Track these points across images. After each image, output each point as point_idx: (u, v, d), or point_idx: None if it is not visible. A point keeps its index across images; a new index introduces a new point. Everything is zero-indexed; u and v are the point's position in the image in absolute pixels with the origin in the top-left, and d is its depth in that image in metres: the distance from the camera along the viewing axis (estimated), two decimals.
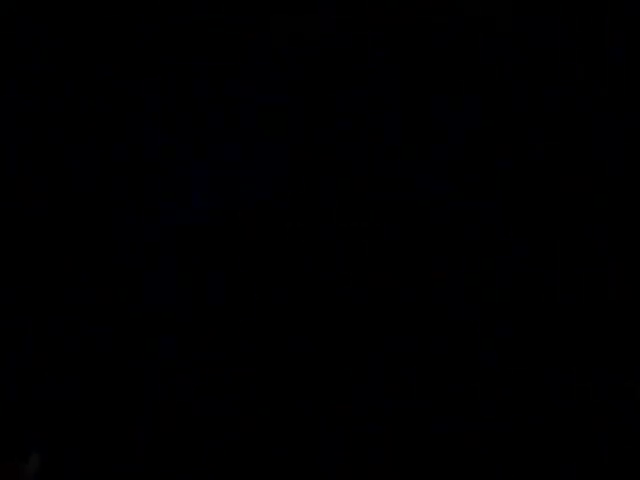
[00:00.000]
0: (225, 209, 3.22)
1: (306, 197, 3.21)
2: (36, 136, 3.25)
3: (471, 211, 3.24)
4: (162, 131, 3.26)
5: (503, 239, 3.21)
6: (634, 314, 3.10)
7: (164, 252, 3.24)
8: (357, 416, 3.14)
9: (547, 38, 3.23)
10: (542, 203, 3.21)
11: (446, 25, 3.25)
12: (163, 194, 3.23)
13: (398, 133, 3.21)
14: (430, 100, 3.23)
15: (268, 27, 3.23)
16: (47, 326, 3.13)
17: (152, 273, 3.23)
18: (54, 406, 2.98)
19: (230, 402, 3.17)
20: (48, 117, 3.25)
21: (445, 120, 3.24)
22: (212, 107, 3.26)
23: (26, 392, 2.98)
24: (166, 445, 3.12)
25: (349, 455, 3.12)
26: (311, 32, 3.21)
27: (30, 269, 3.17)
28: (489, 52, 3.25)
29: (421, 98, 3.21)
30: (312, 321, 3.19)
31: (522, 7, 3.23)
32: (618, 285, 3.12)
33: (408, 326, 3.18)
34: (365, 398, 3.15)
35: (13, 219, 3.20)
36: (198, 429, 3.15)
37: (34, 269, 3.17)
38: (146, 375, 3.17)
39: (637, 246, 3.13)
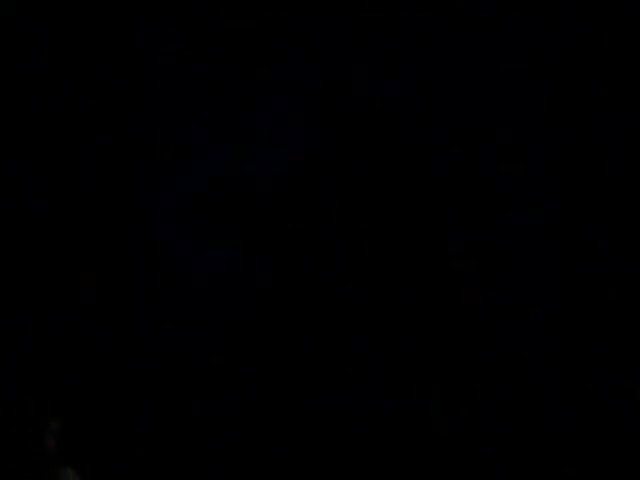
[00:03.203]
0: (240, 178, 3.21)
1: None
2: (36, 136, 3.25)
3: (469, 209, 3.24)
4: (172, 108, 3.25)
5: (501, 242, 3.21)
6: (634, 314, 3.10)
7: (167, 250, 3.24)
8: (357, 416, 3.14)
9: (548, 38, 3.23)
10: (540, 206, 3.21)
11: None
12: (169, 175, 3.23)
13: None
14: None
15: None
16: (45, 326, 3.13)
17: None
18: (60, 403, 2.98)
19: (230, 402, 3.17)
20: (48, 117, 3.25)
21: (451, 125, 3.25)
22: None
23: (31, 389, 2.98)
24: (166, 445, 3.12)
25: (348, 455, 3.12)
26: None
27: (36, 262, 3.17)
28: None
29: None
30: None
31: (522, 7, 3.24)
32: (618, 285, 3.12)
33: (408, 324, 3.18)
34: (365, 398, 3.15)
35: (13, 217, 3.21)
36: (198, 429, 3.15)
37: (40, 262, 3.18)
38: (146, 374, 3.17)
39: (637, 246, 3.13)
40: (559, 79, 3.22)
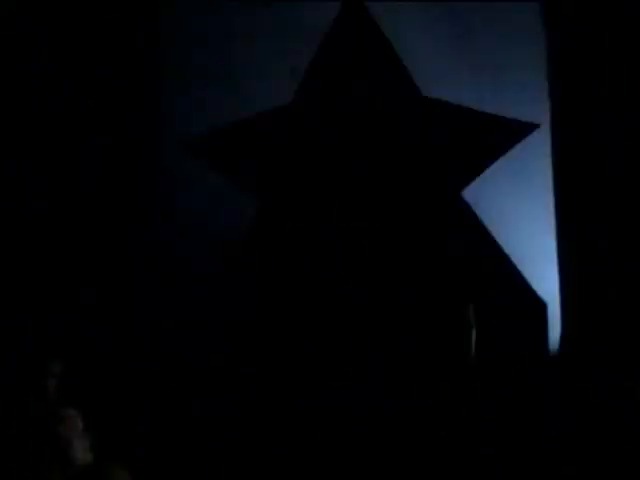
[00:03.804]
0: None
1: None
2: (36, 136, 3.25)
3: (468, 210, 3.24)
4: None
5: (501, 241, 3.21)
6: (634, 314, 3.10)
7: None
8: (357, 416, 3.14)
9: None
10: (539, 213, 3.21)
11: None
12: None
13: None
14: None
15: None
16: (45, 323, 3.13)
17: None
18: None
19: (230, 402, 3.17)
20: (48, 117, 3.25)
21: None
22: None
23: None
24: (165, 445, 3.12)
25: (348, 455, 3.12)
26: None
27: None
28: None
29: None
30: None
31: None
32: (618, 285, 3.12)
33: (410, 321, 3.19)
34: (365, 398, 3.15)
35: (13, 217, 3.21)
36: (198, 429, 3.15)
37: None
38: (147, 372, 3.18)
39: (637, 246, 3.13)
40: (559, 79, 3.22)
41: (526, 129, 3.24)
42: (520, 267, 3.21)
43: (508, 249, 3.22)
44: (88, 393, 2.77)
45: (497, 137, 3.26)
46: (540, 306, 3.18)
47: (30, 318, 3.11)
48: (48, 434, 2.33)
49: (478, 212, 3.24)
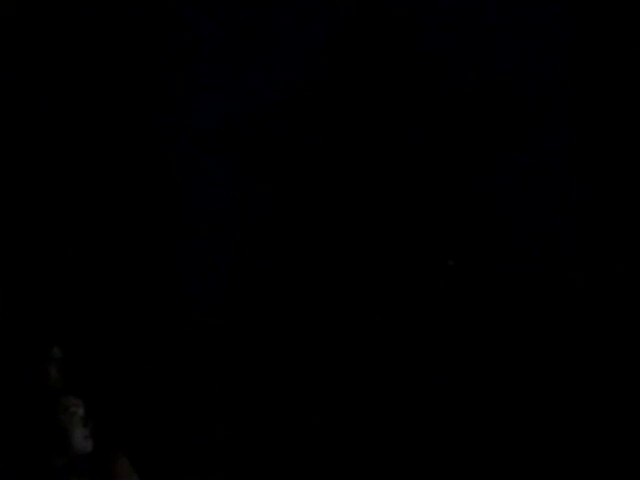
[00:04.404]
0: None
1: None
2: (36, 136, 3.26)
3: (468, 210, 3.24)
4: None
5: (501, 243, 3.22)
6: (634, 314, 3.10)
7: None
8: (357, 416, 3.15)
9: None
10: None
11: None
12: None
13: None
14: None
15: None
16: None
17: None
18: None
19: (230, 402, 3.18)
20: (49, 117, 3.26)
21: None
22: None
23: None
24: (166, 445, 3.13)
25: (348, 455, 3.13)
26: None
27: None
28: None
29: None
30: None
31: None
32: (618, 286, 3.12)
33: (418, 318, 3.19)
34: (365, 398, 3.15)
35: (13, 217, 3.22)
36: (198, 429, 3.16)
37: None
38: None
39: (637, 246, 3.13)
40: (559, 78, 3.22)
41: None
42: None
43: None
44: (89, 381, 2.78)
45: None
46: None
47: (30, 317, 3.12)
48: (49, 422, 2.34)
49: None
